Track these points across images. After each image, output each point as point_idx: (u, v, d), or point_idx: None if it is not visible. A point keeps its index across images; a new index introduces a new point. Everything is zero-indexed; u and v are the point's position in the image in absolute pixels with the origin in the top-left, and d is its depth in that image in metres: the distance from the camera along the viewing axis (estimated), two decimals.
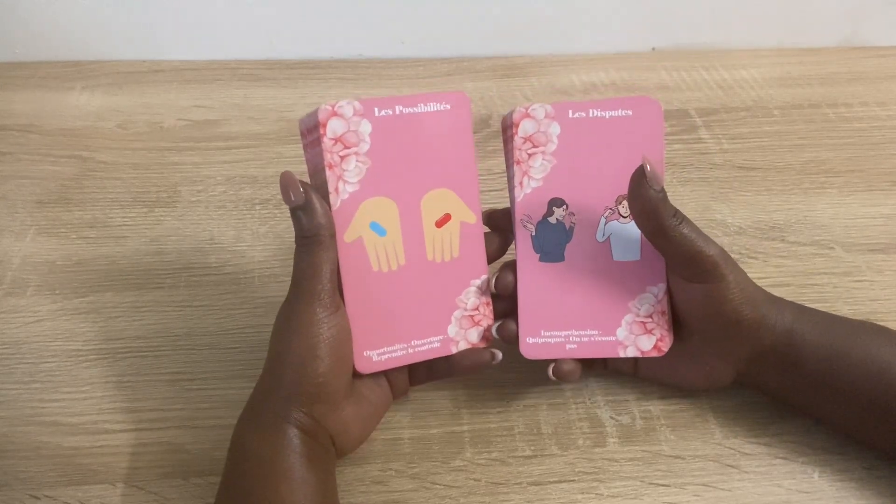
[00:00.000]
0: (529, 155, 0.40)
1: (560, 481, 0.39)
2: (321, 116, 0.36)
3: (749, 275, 0.38)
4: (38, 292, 0.49)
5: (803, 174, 0.60)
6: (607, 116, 0.39)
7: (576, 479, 0.39)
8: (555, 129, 0.40)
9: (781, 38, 0.76)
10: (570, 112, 0.39)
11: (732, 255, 0.50)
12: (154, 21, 0.70)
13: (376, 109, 0.37)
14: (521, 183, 0.40)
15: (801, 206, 0.57)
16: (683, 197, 0.57)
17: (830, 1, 0.73)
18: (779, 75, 0.72)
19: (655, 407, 0.43)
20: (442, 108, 0.39)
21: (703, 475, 0.39)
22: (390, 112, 0.38)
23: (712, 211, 0.56)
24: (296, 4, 0.70)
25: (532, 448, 0.41)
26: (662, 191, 0.36)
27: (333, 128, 0.37)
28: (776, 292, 0.40)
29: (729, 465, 0.40)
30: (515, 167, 0.40)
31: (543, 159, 0.40)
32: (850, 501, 0.38)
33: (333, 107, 0.36)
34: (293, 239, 0.53)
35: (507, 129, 0.40)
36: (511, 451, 0.40)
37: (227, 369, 0.44)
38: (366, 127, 0.37)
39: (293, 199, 0.35)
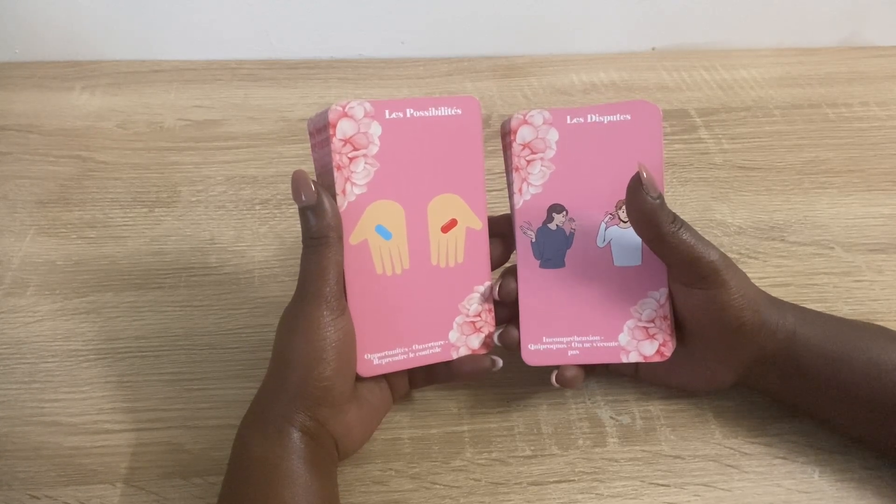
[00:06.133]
0: (528, 161, 0.40)
1: (560, 481, 0.39)
2: (331, 117, 0.36)
3: (749, 275, 0.38)
4: (38, 292, 0.49)
5: (803, 174, 0.60)
6: (605, 121, 0.39)
7: (576, 479, 0.39)
8: (553, 135, 0.39)
9: (781, 38, 0.76)
10: (569, 118, 0.39)
11: (732, 256, 0.51)
12: (154, 21, 0.70)
13: (387, 112, 0.37)
14: (520, 189, 0.40)
15: (801, 206, 0.57)
16: (683, 197, 0.57)
17: (830, 1, 0.73)
18: (779, 75, 0.72)
19: (655, 407, 0.43)
20: (453, 112, 0.38)
21: (703, 475, 0.39)
22: (401, 115, 0.37)
23: (712, 211, 0.56)
24: (296, 5, 0.70)
25: (532, 448, 0.41)
26: (660, 197, 0.36)
27: (343, 129, 0.36)
28: (776, 292, 0.40)
29: (729, 465, 0.40)
30: (514, 174, 0.40)
31: (542, 165, 0.40)
32: (850, 501, 0.38)
33: (344, 107, 0.36)
34: (293, 239, 0.53)
35: (506, 135, 0.40)
36: (511, 451, 0.40)
37: (226, 369, 0.44)
38: (376, 129, 0.37)
39: (304, 199, 0.35)
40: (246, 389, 0.42)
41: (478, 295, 0.40)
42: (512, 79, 0.71)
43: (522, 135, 0.40)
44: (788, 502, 0.38)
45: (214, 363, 0.45)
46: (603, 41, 0.75)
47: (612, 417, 0.42)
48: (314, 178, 0.36)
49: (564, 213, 0.40)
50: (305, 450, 0.34)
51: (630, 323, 0.40)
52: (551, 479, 0.39)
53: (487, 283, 0.40)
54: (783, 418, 0.42)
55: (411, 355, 0.39)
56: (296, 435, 0.34)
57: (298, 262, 0.36)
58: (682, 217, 0.36)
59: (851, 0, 0.74)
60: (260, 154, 0.61)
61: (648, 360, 0.39)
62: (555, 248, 0.40)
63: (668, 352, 0.39)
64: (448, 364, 0.40)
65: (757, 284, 0.38)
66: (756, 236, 0.54)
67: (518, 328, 0.40)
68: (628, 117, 0.39)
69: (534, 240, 0.40)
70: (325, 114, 0.36)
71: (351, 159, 0.37)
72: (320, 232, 0.35)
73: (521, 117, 0.39)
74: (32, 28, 0.70)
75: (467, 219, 0.40)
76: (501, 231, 0.41)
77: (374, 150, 0.37)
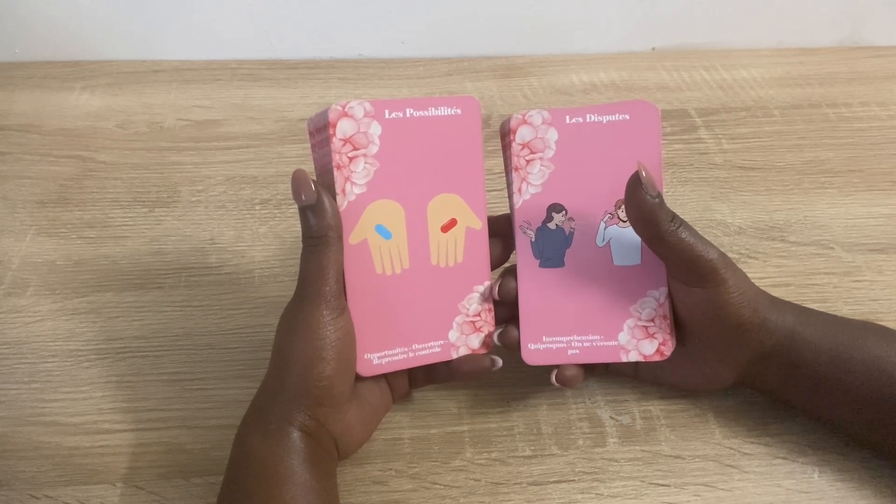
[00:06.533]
0: (527, 161, 0.40)
1: (560, 481, 0.39)
2: (331, 116, 0.36)
3: (749, 275, 0.38)
4: (38, 292, 0.49)
5: (803, 174, 0.60)
6: (604, 121, 0.39)
7: (576, 479, 0.39)
8: (552, 134, 0.39)
9: (781, 38, 0.76)
10: (568, 117, 0.39)
11: (732, 256, 0.51)
12: (154, 21, 0.70)
13: (387, 112, 0.37)
14: (519, 189, 0.40)
15: (801, 206, 0.57)
16: (683, 197, 0.57)
17: (830, 1, 0.74)
18: (779, 75, 0.72)
19: (655, 407, 0.43)
20: (453, 112, 0.38)
21: (703, 475, 0.39)
22: (401, 115, 0.37)
23: (712, 211, 0.56)
24: (296, 4, 0.70)
25: (532, 448, 0.41)
26: (659, 196, 0.36)
27: (343, 128, 0.36)
28: (776, 292, 0.40)
29: (729, 465, 0.40)
30: (514, 174, 0.40)
31: (541, 165, 0.40)
32: (849, 501, 0.38)
33: (344, 107, 0.36)
34: (293, 239, 0.53)
35: (505, 135, 0.40)
36: (511, 451, 0.40)
37: (226, 369, 0.44)
38: (376, 129, 0.37)
39: (304, 198, 0.35)
40: (246, 389, 0.42)
41: (477, 294, 0.40)
42: (512, 79, 0.71)
43: (522, 134, 0.40)
44: (788, 502, 0.38)
45: (214, 363, 0.45)
46: (603, 41, 0.75)
47: (612, 417, 0.42)
48: (314, 177, 0.36)
49: (564, 212, 0.40)
50: (305, 449, 0.34)
51: (630, 322, 0.40)
52: (551, 479, 0.39)
53: (487, 283, 0.40)
54: (783, 418, 0.42)
55: (411, 355, 0.39)
56: (296, 435, 0.34)
57: (298, 261, 0.36)
58: (681, 217, 0.36)
59: (851, 0, 0.74)
60: (260, 154, 0.61)
61: (648, 360, 0.39)
62: (554, 247, 0.40)
63: (667, 351, 0.39)
64: (448, 364, 0.40)
65: (757, 284, 0.38)
66: (756, 236, 0.54)
67: (518, 328, 0.40)
68: (627, 117, 0.39)
69: (533, 239, 0.40)
70: (324, 113, 0.36)
71: (351, 159, 0.37)
72: (320, 231, 0.35)
73: (521, 117, 0.39)
74: (32, 28, 0.70)
75: (467, 218, 0.40)
76: (501, 231, 0.41)
77: (374, 149, 0.37)
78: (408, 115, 0.38)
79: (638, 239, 0.38)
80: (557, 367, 0.39)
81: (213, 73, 0.71)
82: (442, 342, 0.39)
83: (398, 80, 0.71)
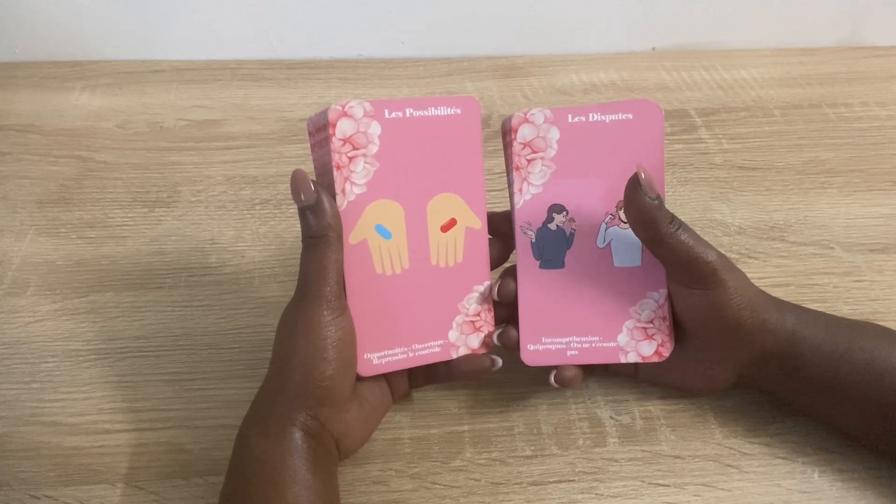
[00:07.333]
0: (528, 161, 0.40)
1: (560, 481, 0.39)
2: (331, 116, 0.36)
3: (749, 275, 0.38)
4: (38, 292, 0.49)
5: (803, 174, 0.60)
6: (607, 120, 0.39)
7: (576, 479, 0.39)
8: (554, 134, 0.39)
9: (781, 38, 0.76)
10: (570, 117, 0.39)
11: (732, 256, 0.51)
12: (154, 21, 0.70)
13: (386, 111, 0.37)
14: (520, 189, 0.40)
15: (801, 206, 0.57)
16: (683, 197, 0.57)
17: (830, 1, 0.74)
18: (779, 75, 0.72)
19: (655, 407, 0.43)
20: (452, 112, 0.38)
21: (703, 475, 0.39)
22: (400, 115, 0.37)
23: (712, 211, 0.56)
24: (296, 5, 0.70)
25: (532, 448, 0.41)
26: (658, 198, 0.36)
27: (343, 128, 0.36)
28: (776, 292, 0.40)
29: (729, 465, 0.40)
30: (515, 173, 0.40)
31: (543, 165, 0.40)
32: (849, 501, 0.38)
33: (343, 107, 0.36)
34: (293, 239, 0.53)
35: (506, 134, 0.40)
36: (511, 451, 0.40)
37: (227, 369, 0.44)
38: (375, 129, 0.37)
39: (303, 198, 0.35)
40: (246, 389, 0.42)
41: (477, 294, 0.40)
42: (512, 79, 0.71)
43: (523, 133, 0.39)
44: (788, 502, 0.38)
45: (214, 363, 0.45)
46: (603, 41, 0.75)
47: (612, 417, 0.42)
48: (313, 177, 0.36)
49: (565, 213, 0.40)
50: (307, 449, 0.34)
51: (629, 323, 0.39)
52: (551, 479, 0.39)
53: (487, 283, 0.40)
54: (783, 418, 0.42)
55: (411, 355, 0.39)
56: (297, 435, 0.34)
57: (298, 261, 0.36)
58: (681, 217, 0.36)
59: (851, 0, 0.74)
60: (260, 154, 0.61)
61: (647, 361, 0.39)
62: (555, 248, 0.40)
63: (666, 352, 0.39)
64: (448, 364, 0.40)
65: (757, 284, 0.38)
66: (756, 236, 0.54)
67: (517, 328, 0.40)
68: (630, 116, 0.39)
69: (534, 240, 0.40)
70: (324, 113, 0.36)
71: (350, 159, 0.37)
72: (320, 232, 0.35)
73: (522, 116, 0.39)
74: (32, 28, 0.70)
75: (467, 218, 0.40)
76: (501, 228, 0.41)
77: (374, 149, 0.37)
78: (407, 114, 0.38)
79: (638, 240, 0.38)
80: (556, 367, 0.39)
81: (213, 73, 0.71)
82: (442, 342, 0.39)
83: (398, 80, 0.71)
